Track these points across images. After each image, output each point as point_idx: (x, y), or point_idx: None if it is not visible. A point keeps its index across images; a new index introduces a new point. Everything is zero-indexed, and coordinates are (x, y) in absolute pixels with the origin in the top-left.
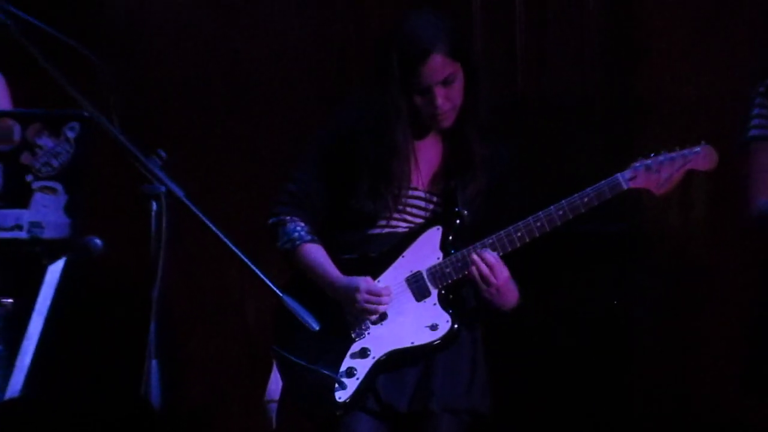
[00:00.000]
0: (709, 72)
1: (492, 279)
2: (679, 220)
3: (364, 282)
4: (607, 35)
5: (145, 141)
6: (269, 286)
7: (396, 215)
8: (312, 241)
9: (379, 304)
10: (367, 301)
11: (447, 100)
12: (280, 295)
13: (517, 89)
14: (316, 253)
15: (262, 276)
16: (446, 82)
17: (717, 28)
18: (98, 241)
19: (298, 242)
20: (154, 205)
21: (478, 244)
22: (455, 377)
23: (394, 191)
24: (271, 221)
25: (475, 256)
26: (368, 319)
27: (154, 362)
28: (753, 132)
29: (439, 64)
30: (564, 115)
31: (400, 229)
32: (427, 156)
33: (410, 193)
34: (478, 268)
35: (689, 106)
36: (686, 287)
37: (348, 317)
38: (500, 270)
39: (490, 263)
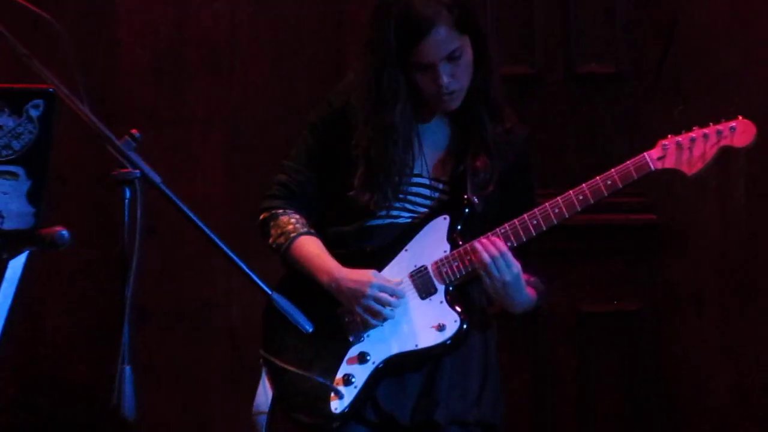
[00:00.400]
0: (747, 41)
1: (494, 272)
2: (715, 210)
3: (375, 275)
4: (635, 3)
5: (117, 121)
6: (257, 283)
7: (396, 204)
8: (308, 233)
9: (388, 304)
10: (377, 300)
11: (453, 79)
12: (270, 293)
13: (535, 64)
14: (314, 245)
15: (249, 272)
16: (452, 58)
17: None
18: (65, 233)
19: (293, 234)
20: (128, 192)
21: (488, 234)
22: (463, 385)
23: (393, 180)
24: (262, 217)
25: (477, 244)
26: (372, 321)
27: (127, 368)
28: None
29: (443, 38)
30: (588, 91)
31: (401, 220)
32: (432, 140)
33: (412, 180)
34: (479, 257)
35: (725, 79)
36: (724, 284)
37: (346, 317)
38: (506, 263)
39: (493, 254)
